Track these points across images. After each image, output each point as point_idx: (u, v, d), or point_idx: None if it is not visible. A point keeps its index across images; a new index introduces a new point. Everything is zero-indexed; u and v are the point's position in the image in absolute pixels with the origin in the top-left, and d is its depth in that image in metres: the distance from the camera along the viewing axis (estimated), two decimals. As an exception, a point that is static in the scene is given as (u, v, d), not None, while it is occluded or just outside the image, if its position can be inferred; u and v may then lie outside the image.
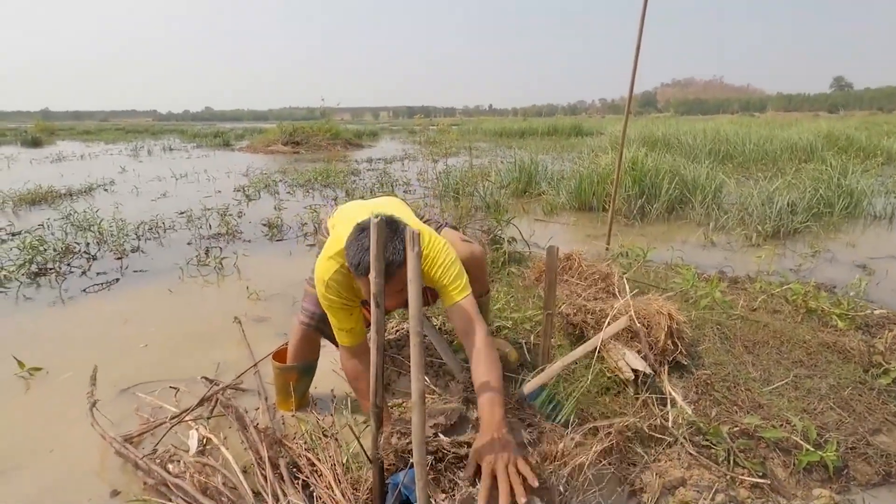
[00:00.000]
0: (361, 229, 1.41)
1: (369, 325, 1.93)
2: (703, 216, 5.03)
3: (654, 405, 1.73)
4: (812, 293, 2.52)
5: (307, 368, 1.91)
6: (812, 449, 1.53)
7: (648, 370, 1.75)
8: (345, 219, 1.69)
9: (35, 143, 19.56)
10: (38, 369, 2.23)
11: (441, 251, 1.51)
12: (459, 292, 1.47)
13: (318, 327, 1.82)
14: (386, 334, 2.07)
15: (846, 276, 3.35)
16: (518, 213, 5.34)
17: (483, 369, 1.31)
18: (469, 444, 1.23)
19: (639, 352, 1.82)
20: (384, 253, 1.23)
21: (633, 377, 1.75)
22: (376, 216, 1.13)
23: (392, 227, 1.37)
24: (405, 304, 1.49)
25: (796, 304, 2.51)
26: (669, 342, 1.86)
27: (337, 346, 1.77)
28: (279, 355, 1.95)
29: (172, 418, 1.84)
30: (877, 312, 2.51)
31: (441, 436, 1.27)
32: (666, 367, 1.84)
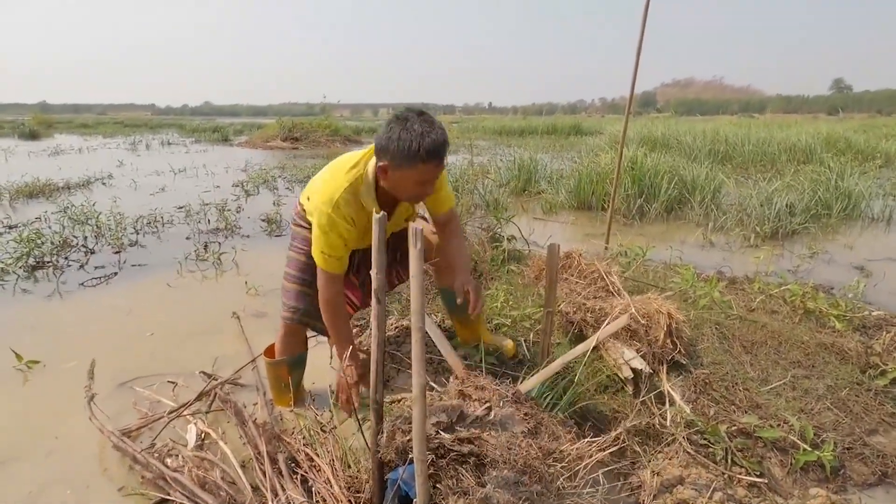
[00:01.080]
0: (400, 118, 1.43)
1: (355, 308, 1.96)
2: (702, 216, 5.04)
3: (652, 404, 1.73)
4: (810, 294, 2.53)
5: (297, 361, 1.91)
6: (809, 449, 1.54)
7: (647, 369, 1.75)
8: (320, 181, 1.69)
9: (33, 135, 19.47)
10: (36, 362, 2.22)
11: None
12: (446, 203, 1.77)
13: (302, 320, 1.83)
14: (386, 331, 2.07)
15: (844, 277, 3.36)
16: (517, 211, 5.34)
17: (460, 253, 1.80)
18: (470, 441, 1.23)
19: (638, 350, 1.83)
20: (439, 145, 1.41)
21: (632, 376, 1.76)
22: (378, 211, 1.13)
23: (429, 115, 1.45)
24: (422, 199, 1.63)
25: (794, 304, 2.52)
26: (668, 341, 1.86)
27: (326, 335, 1.85)
28: (270, 351, 1.95)
29: (171, 412, 1.84)
30: (874, 314, 2.52)
31: (442, 433, 1.27)
32: (665, 366, 1.84)
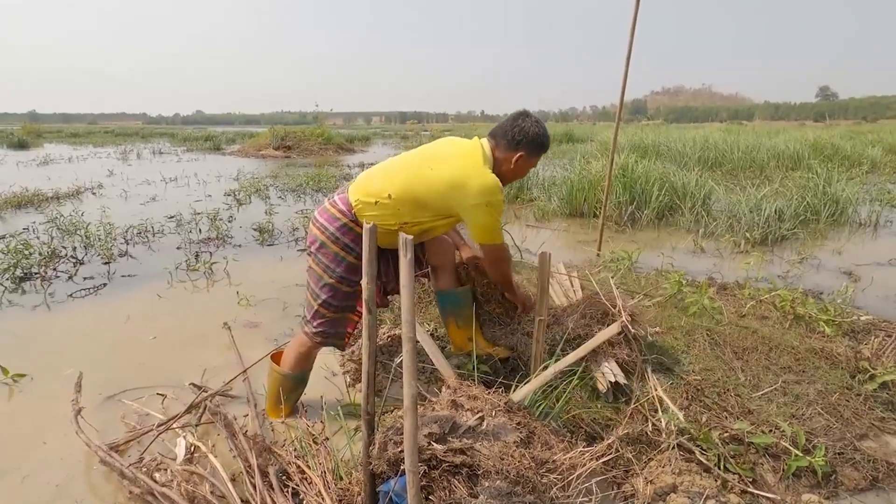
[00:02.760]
0: (526, 116, 1.78)
1: (381, 307, 2.04)
2: (693, 223, 5.08)
3: (645, 410, 1.73)
4: (800, 299, 2.55)
5: (303, 378, 1.91)
6: (801, 454, 1.55)
7: (623, 380, 1.76)
8: (381, 175, 1.77)
9: (21, 145, 19.31)
10: (23, 375, 2.19)
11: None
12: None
13: (328, 343, 1.85)
14: (378, 340, 2.06)
15: (833, 282, 3.40)
16: (510, 218, 5.36)
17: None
18: (463, 452, 1.23)
19: (619, 361, 1.84)
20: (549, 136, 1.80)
21: (607, 388, 1.76)
22: (368, 222, 1.12)
23: (525, 116, 1.78)
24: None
25: (784, 310, 2.54)
26: (621, 337, 1.89)
27: (343, 349, 1.97)
28: (278, 357, 1.93)
29: (159, 426, 1.81)
30: (863, 318, 2.55)
31: (434, 444, 1.26)
32: (650, 368, 1.85)
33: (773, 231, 4.59)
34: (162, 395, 2.04)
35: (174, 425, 1.82)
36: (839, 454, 1.62)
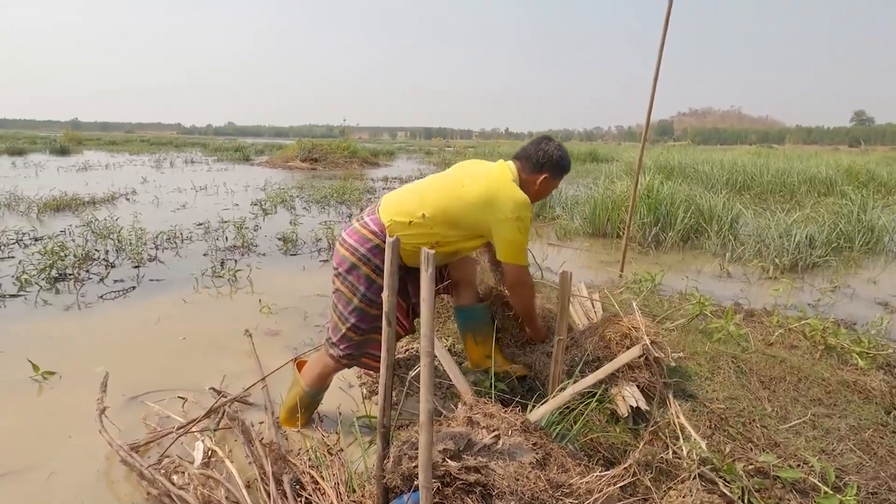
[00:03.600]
0: (549, 140, 1.91)
1: (406, 333, 2.01)
2: (719, 246, 4.97)
3: (666, 437, 1.68)
4: (831, 329, 2.46)
5: (319, 395, 1.92)
6: (830, 492, 1.48)
7: (645, 406, 1.72)
8: (413, 196, 1.80)
9: (63, 151, 20.20)
10: (52, 373, 2.26)
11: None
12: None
13: (352, 364, 1.86)
14: (396, 353, 2.07)
15: (867, 313, 3.27)
16: (532, 236, 5.34)
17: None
18: (477, 470, 1.21)
19: (639, 385, 1.79)
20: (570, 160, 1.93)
21: (629, 413, 1.72)
22: (391, 235, 1.14)
23: (548, 140, 1.91)
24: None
25: (815, 340, 2.45)
26: (642, 360, 1.84)
27: (371, 369, 1.94)
28: (301, 365, 1.95)
29: (179, 429, 1.84)
30: (899, 352, 2.44)
31: (449, 461, 1.25)
32: (671, 395, 1.80)
33: (804, 257, 4.46)
34: (183, 398, 2.08)
35: (193, 429, 1.85)
36: (872, 494, 1.54)
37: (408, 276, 1.89)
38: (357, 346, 1.81)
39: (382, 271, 1.72)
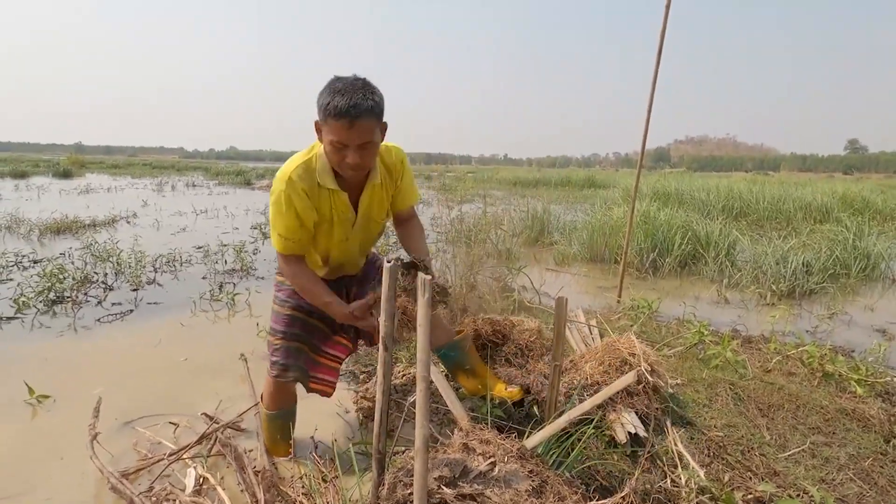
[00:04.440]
0: (335, 78, 1.45)
1: (349, 354, 1.95)
2: (717, 272, 4.99)
3: (664, 465, 1.67)
4: (829, 356, 2.46)
5: (286, 415, 1.85)
6: (831, 523, 1.46)
7: (643, 432, 1.71)
8: None
9: (65, 174, 20.38)
10: (47, 397, 2.24)
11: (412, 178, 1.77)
12: (413, 198, 1.82)
13: (290, 378, 1.77)
14: (392, 378, 2.06)
15: (865, 340, 3.27)
16: (530, 261, 5.36)
17: (416, 238, 1.81)
18: (473, 498, 1.20)
19: (637, 412, 1.79)
20: (350, 105, 1.37)
21: (627, 440, 1.71)
22: (389, 259, 1.16)
23: (364, 81, 1.45)
24: (363, 170, 1.54)
25: (812, 367, 2.45)
26: (641, 387, 1.83)
27: (308, 390, 1.84)
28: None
29: (170, 455, 1.82)
30: (897, 380, 2.44)
31: (444, 488, 1.24)
32: (669, 422, 1.79)
33: (801, 284, 4.47)
34: (174, 424, 2.06)
35: (185, 456, 1.82)
36: (874, 525, 1.52)
37: (345, 285, 1.88)
38: (283, 353, 1.75)
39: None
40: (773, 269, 4.67)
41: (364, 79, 1.47)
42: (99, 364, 2.67)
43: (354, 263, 1.86)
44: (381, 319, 1.24)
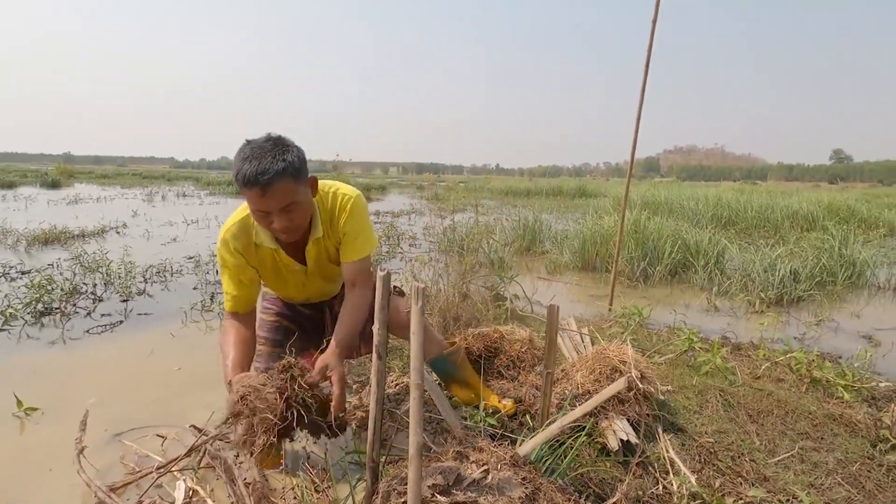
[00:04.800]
0: (245, 142, 1.41)
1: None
2: (706, 280, 5.05)
3: (655, 471, 1.68)
4: (816, 363, 2.49)
5: None
6: (820, 527, 1.48)
7: (635, 439, 1.72)
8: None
9: (54, 184, 20.19)
10: (35, 409, 2.21)
11: (361, 207, 1.62)
12: (360, 250, 1.61)
13: None
14: (386, 387, 2.05)
15: (851, 346, 3.32)
16: (522, 270, 5.39)
17: (345, 319, 1.57)
18: (464, 505, 1.20)
19: (629, 419, 1.80)
20: (258, 172, 1.32)
21: (619, 447, 1.72)
22: (382, 269, 1.17)
23: (276, 141, 1.40)
24: (296, 232, 1.50)
25: (800, 373, 2.48)
26: (632, 394, 1.85)
27: None
28: None
29: (159, 468, 1.80)
30: (882, 385, 2.47)
31: (438, 496, 1.24)
32: (661, 429, 1.80)
33: (789, 291, 4.54)
34: (162, 436, 2.03)
35: (174, 468, 1.81)
36: (862, 529, 1.54)
37: (327, 306, 1.89)
38: (267, 360, 1.78)
39: None
40: (761, 276, 4.73)
41: (276, 137, 1.41)
42: (88, 376, 2.64)
43: (326, 293, 1.86)
44: (375, 328, 1.25)
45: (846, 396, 2.26)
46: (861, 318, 4.08)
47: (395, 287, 1.99)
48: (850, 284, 5.20)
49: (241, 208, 1.59)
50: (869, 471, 1.77)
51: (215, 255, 5.51)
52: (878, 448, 1.88)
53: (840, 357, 3.05)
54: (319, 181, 1.60)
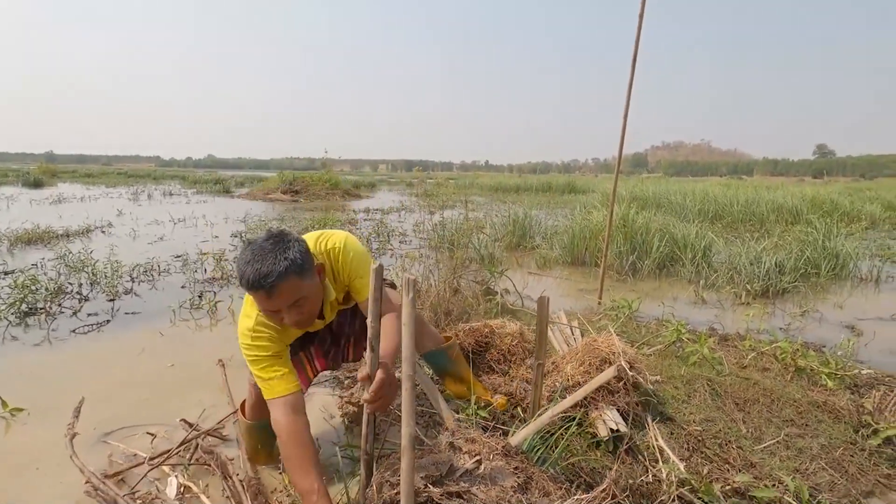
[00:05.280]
0: (248, 242, 1.41)
1: (308, 384, 1.92)
2: (694, 274, 5.11)
3: (645, 460, 1.71)
4: (801, 352, 2.54)
5: (266, 424, 1.70)
6: (805, 510, 1.51)
7: (624, 428, 1.74)
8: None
9: (36, 184, 19.82)
10: (20, 410, 2.18)
11: (353, 247, 1.61)
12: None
13: None
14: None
15: (835, 336, 3.38)
16: (512, 265, 5.41)
17: (383, 344, 1.45)
18: (459, 495, 1.22)
19: (619, 409, 1.83)
20: (261, 276, 1.31)
21: (610, 436, 1.75)
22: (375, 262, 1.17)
23: (276, 239, 1.38)
24: (310, 321, 1.48)
25: (786, 362, 2.53)
26: (621, 385, 1.88)
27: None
28: (245, 408, 1.90)
29: (151, 460, 1.79)
30: (864, 372, 2.53)
31: (430, 486, 1.25)
32: (650, 418, 1.83)
33: (774, 284, 4.61)
34: (151, 434, 2.02)
35: (166, 462, 1.80)
36: (845, 511, 1.58)
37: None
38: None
39: None
40: (747, 269, 4.80)
41: (276, 235, 1.40)
42: (75, 375, 2.61)
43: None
44: (368, 321, 1.25)
45: (830, 384, 2.31)
46: (844, 309, 4.17)
47: (389, 281, 2.00)
48: (833, 276, 5.29)
49: (250, 301, 1.55)
50: (852, 455, 1.82)
51: (205, 254, 5.44)
52: (860, 433, 1.93)
53: (824, 346, 3.11)
54: (310, 235, 1.60)
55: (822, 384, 2.34)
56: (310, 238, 1.59)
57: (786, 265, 4.94)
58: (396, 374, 1.40)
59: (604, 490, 1.25)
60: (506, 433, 1.69)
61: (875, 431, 1.89)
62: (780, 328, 3.53)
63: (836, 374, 2.39)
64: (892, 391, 2.24)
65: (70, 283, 4.29)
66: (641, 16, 3.33)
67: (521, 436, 1.47)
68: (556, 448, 1.64)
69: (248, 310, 1.56)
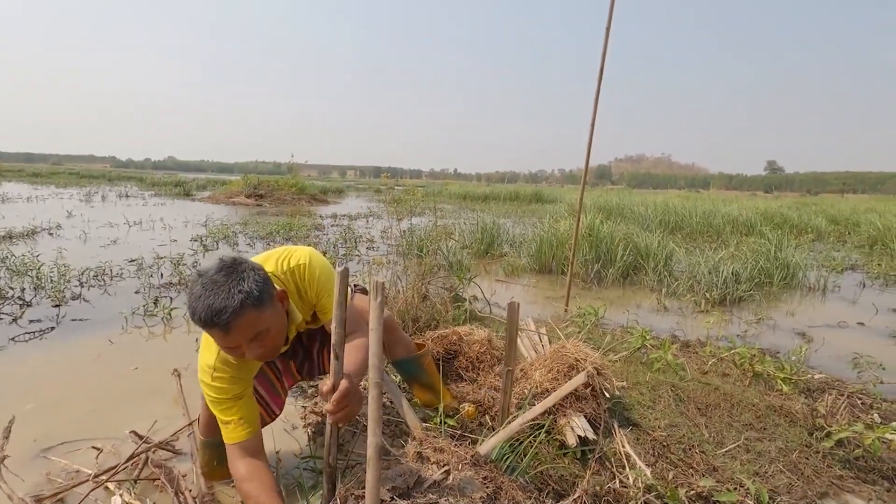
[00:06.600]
0: (199, 273, 1.28)
1: (294, 382, 1.84)
2: (656, 282, 5.24)
3: (612, 466, 1.71)
4: (758, 357, 2.63)
5: (221, 443, 1.53)
6: (765, 513, 1.54)
7: (592, 436, 1.75)
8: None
9: (-23, 183, 18.62)
10: (-53, 425, 1.99)
11: (319, 263, 1.51)
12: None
13: None
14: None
15: (787, 342, 3.52)
16: (480, 272, 5.41)
17: (350, 359, 1.35)
18: (425, 507, 1.17)
19: (586, 416, 1.83)
20: (213, 314, 1.19)
21: (578, 444, 1.74)
22: (340, 269, 1.12)
23: (229, 270, 1.25)
24: (274, 352, 1.37)
25: (744, 367, 2.60)
26: (589, 391, 1.89)
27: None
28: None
29: (96, 476, 1.67)
30: (817, 377, 2.64)
31: (397, 499, 1.20)
32: (617, 424, 1.84)
33: (731, 292, 4.78)
34: (97, 448, 1.88)
35: (112, 478, 1.68)
36: (802, 513, 1.62)
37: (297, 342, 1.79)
38: None
39: None
40: (706, 278, 4.97)
41: (229, 264, 1.27)
42: (13, 386, 2.42)
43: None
44: (333, 326, 1.20)
45: (785, 389, 2.39)
46: (795, 316, 4.35)
47: (360, 287, 1.94)
48: (784, 285, 5.54)
49: (208, 339, 1.42)
50: (807, 458, 1.88)
51: (161, 258, 5.20)
52: (814, 436, 2.00)
53: (778, 352, 3.23)
54: (270, 255, 1.51)
55: (778, 389, 2.42)
56: (269, 258, 1.50)
57: (742, 274, 5.14)
58: (363, 384, 1.35)
59: (575, 499, 1.23)
60: (475, 441, 1.66)
61: (828, 434, 1.96)
62: (738, 335, 3.65)
63: (790, 379, 2.47)
64: (843, 395, 2.34)
65: (11, 288, 4.01)
66: (608, 28, 3.41)
67: (489, 444, 1.45)
68: (524, 456, 1.62)
69: (208, 341, 1.42)
